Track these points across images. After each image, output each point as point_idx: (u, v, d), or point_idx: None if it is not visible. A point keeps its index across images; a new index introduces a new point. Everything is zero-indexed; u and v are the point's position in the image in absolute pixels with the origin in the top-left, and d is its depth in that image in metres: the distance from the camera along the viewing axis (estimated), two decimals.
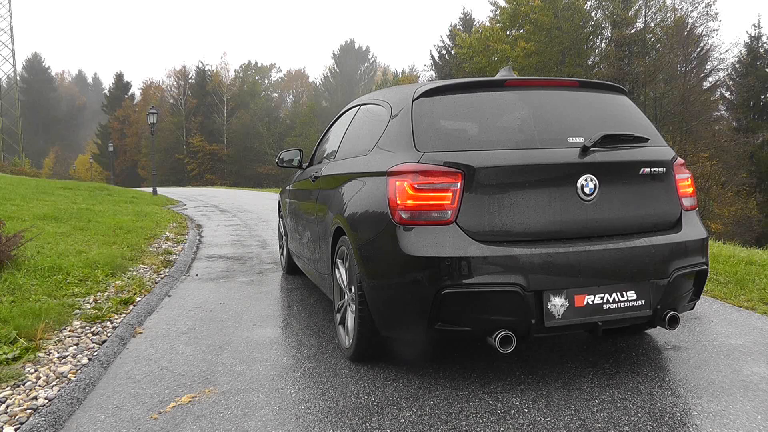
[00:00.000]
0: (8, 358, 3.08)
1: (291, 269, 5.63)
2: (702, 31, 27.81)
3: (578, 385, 2.78)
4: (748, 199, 28.14)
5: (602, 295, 2.65)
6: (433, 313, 2.58)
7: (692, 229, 2.96)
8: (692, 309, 3.17)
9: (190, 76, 61.83)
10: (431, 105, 2.93)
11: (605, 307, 2.65)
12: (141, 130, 60.70)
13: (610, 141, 2.81)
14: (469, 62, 30.89)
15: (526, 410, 2.52)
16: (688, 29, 27.16)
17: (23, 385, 2.82)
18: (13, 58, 60.59)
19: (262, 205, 16.02)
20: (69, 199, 13.01)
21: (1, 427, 2.40)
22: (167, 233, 8.65)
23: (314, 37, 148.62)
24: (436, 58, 41.99)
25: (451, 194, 2.60)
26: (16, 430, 2.38)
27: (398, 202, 2.66)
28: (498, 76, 3.18)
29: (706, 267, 2.96)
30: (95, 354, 3.29)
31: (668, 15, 26.59)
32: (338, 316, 3.39)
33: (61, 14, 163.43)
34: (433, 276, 2.54)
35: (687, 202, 3.02)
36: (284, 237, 5.72)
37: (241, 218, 12.13)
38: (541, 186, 2.67)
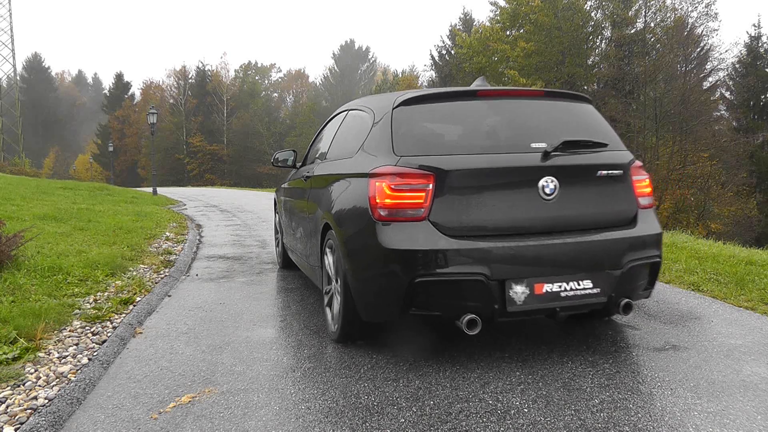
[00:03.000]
0: (8, 358, 3.08)
1: (286, 263, 5.87)
2: (702, 31, 27.80)
3: (578, 385, 2.78)
4: (748, 199, 28.12)
5: (560, 284, 2.91)
6: (407, 300, 2.87)
7: (647, 225, 3.21)
8: (647, 297, 3.37)
9: (190, 76, 61.85)
10: (409, 113, 3.22)
11: (563, 294, 2.91)
12: (141, 130, 60.71)
13: (570, 146, 3.09)
14: (469, 62, 30.85)
15: (526, 410, 2.52)
16: (688, 29, 27.13)
17: (23, 385, 2.82)
18: (13, 58, 60.61)
19: (261, 205, 16.01)
20: (69, 199, 13.01)
21: (1, 427, 2.40)
22: (167, 233, 8.65)
23: (314, 37, 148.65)
24: (436, 58, 41.95)
25: (424, 194, 2.88)
26: (16, 430, 2.38)
27: (378, 201, 2.94)
28: (472, 86, 3.46)
29: (659, 259, 3.22)
30: (95, 354, 3.29)
31: (668, 15, 26.56)
32: (326, 298, 3.67)
33: (61, 14, 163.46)
34: (408, 266, 2.83)
35: (643, 201, 3.26)
36: (279, 232, 6.01)
37: (240, 218, 12.13)
38: (506, 187, 2.97)
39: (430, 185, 2.88)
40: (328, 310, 3.65)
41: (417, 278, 2.81)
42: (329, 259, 3.55)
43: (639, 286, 3.18)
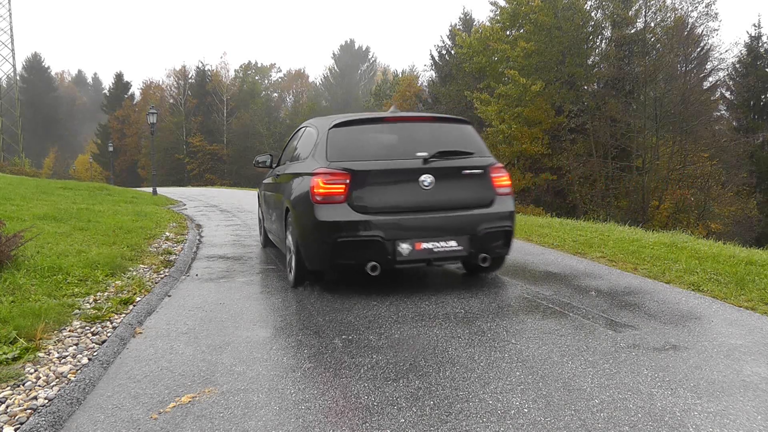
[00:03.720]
0: (8, 358, 3.08)
1: (266, 242, 7.38)
2: (702, 31, 27.76)
3: (578, 385, 2.78)
4: (748, 199, 28.11)
5: (433, 243, 4.34)
6: (334, 254, 4.32)
7: (501, 206, 4.62)
8: (504, 254, 4.80)
9: (190, 76, 61.81)
10: (339, 132, 4.69)
11: (435, 250, 4.36)
12: (141, 130, 60.67)
13: (444, 154, 4.51)
14: (469, 62, 30.84)
15: (526, 410, 2.52)
16: (688, 29, 27.10)
17: (23, 385, 2.82)
18: (13, 57, 60.53)
19: None
20: (69, 199, 13.00)
21: (1, 428, 2.40)
22: (167, 233, 8.65)
23: (314, 37, 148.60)
24: (436, 58, 41.92)
25: (344, 186, 4.30)
26: (16, 430, 2.38)
27: (315, 190, 4.35)
28: (385, 114, 4.96)
29: (510, 229, 4.64)
30: (95, 354, 3.29)
31: (668, 15, 26.51)
32: (287, 258, 5.15)
33: (61, 14, 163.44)
34: (333, 232, 4.26)
35: (501, 191, 4.67)
36: (261, 219, 7.49)
37: (240, 218, 12.12)
38: (397, 181, 4.42)
39: (348, 180, 4.31)
40: (289, 268, 5.10)
41: (339, 239, 4.26)
42: (289, 232, 4.93)
43: (495, 246, 4.59)
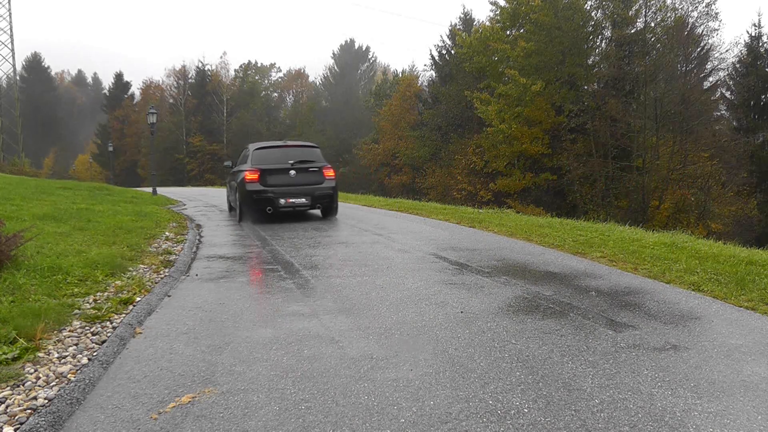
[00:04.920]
0: (8, 358, 3.08)
1: (230, 209, 12.57)
2: (702, 31, 27.77)
3: (578, 386, 2.78)
4: (749, 199, 28.11)
5: (294, 200, 10.06)
6: (252, 203, 10.13)
7: (327, 184, 10.39)
8: (331, 207, 10.68)
9: (189, 76, 61.73)
10: (258, 152, 10.57)
11: (296, 203, 10.12)
12: (141, 130, 60.62)
13: (300, 163, 10.32)
14: (469, 62, 30.85)
15: (526, 410, 2.52)
16: (688, 29, 27.10)
17: (23, 385, 2.82)
18: (13, 57, 60.41)
19: None
20: (69, 199, 12.99)
21: (1, 428, 2.39)
22: (167, 233, 8.65)
23: (314, 37, 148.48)
24: (436, 57, 41.88)
25: (258, 175, 10.01)
26: (15, 430, 2.38)
27: (246, 177, 10.07)
28: (279, 143, 11.10)
29: (331, 192, 10.43)
30: (95, 354, 3.29)
31: (668, 15, 26.50)
32: (236, 211, 11.02)
33: (61, 14, 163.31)
34: (252, 194, 10.07)
35: (327, 177, 10.42)
36: (228, 196, 12.79)
37: None
38: (280, 173, 10.13)
39: (258, 173, 9.98)
40: (237, 214, 10.81)
41: (254, 197, 9.98)
42: (236, 197, 10.77)
43: (324, 202, 10.35)
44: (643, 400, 2.61)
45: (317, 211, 11.26)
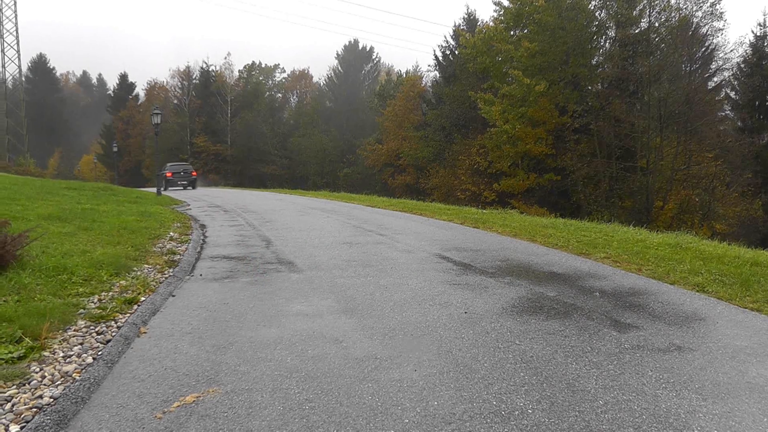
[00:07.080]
0: (13, 357, 3.09)
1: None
2: (707, 31, 27.67)
3: (582, 387, 2.77)
4: (753, 200, 27.97)
5: (183, 182, 31.60)
6: (168, 183, 30.91)
7: (193, 177, 32.97)
8: (193, 188, 31.66)
9: (194, 77, 61.84)
10: (169, 164, 35.01)
11: (181, 183, 31.70)
12: (145, 131, 60.76)
13: (184, 169, 33.55)
14: (473, 62, 30.83)
15: (530, 411, 2.51)
16: (692, 29, 27.00)
17: (28, 383, 2.83)
18: (19, 59, 60.69)
19: (266, 206, 16.04)
20: (73, 199, 13.05)
21: (7, 426, 2.41)
22: (171, 233, 8.67)
23: (318, 38, 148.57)
24: (440, 58, 41.84)
25: (171, 174, 31.47)
26: (21, 428, 2.39)
27: (166, 174, 31.03)
28: (178, 162, 38.35)
29: (193, 179, 32.67)
30: (100, 353, 3.30)
31: (673, 15, 26.42)
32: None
33: (66, 15, 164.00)
34: (168, 180, 31.39)
35: (194, 175, 32.90)
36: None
37: (244, 218, 12.13)
38: (178, 173, 32.23)
39: (171, 173, 31.54)
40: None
41: (169, 182, 30.96)
42: (163, 183, 28.68)
43: (191, 184, 31.67)
44: (647, 401, 2.60)
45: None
